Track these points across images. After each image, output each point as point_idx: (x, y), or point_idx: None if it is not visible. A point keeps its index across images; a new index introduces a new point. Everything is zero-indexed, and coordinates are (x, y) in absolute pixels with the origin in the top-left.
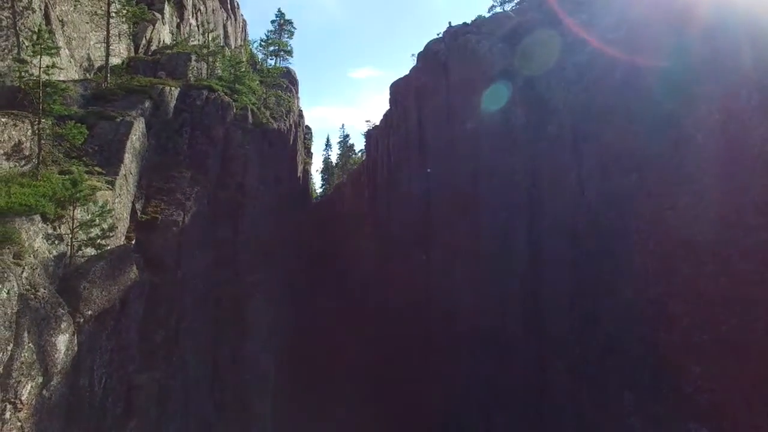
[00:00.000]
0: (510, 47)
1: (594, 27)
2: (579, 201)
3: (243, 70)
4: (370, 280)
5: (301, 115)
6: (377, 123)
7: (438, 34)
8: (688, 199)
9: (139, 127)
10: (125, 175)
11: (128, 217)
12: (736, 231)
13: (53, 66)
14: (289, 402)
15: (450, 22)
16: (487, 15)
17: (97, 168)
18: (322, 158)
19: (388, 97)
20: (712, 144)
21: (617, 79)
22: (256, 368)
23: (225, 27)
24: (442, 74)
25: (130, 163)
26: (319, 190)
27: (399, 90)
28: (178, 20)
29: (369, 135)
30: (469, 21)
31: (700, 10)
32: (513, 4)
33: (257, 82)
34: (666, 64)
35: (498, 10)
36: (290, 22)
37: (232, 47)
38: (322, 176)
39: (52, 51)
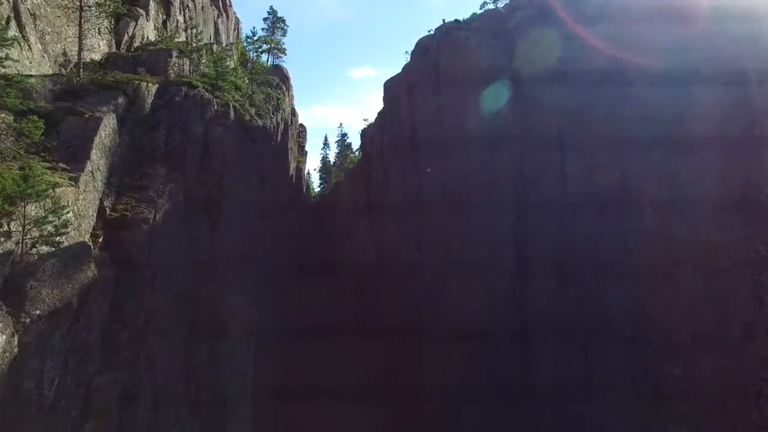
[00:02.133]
0: (499, 43)
1: (580, 22)
2: (562, 199)
3: (226, 66)
4: (367, 280)
5: (294, 113)
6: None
7: (429, 31)
8: (666, 196)
9: (109, 123)
10: (92, 171)
11: (95, 215)
12: (714, 228)
13: (7, 58)
14: (273, 402)
15: (444, 20)
16: (480, 12)
17: (61, 164)
18: (320, 157)
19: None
20: (690, 139)
21: (599, 72)
22: (234, 368)
23: (216, 24)
24: (432, 71)
25: (98, 160)
26: (317, 189)
27: (392, 88)
28: (165, 17)
29: (364, 134)
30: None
31: (682, 2)
32: (506, 0)
33: (246, 79)
34: (647, 57)
35: (491, 7)
36: (282, 20)
37: (224, 45)
38: (320, 175)
39: (7, 43)
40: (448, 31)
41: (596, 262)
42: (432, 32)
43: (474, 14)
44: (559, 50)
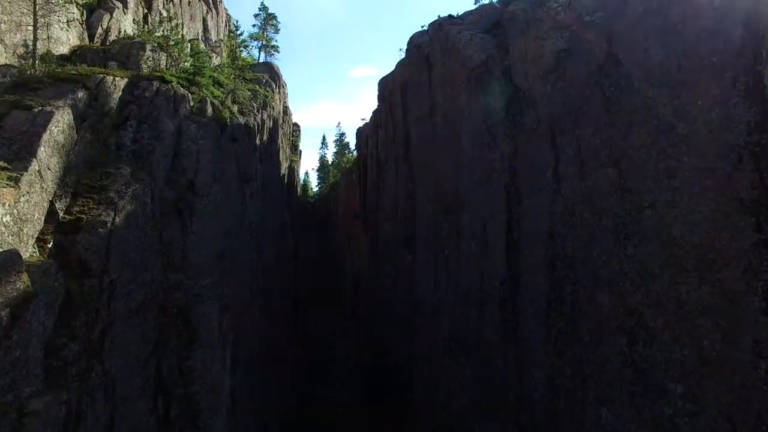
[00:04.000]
0: (491, 37)
1: (573, 10)
2: (556, 199)
3: (204, 60)
4: (363, 282)
5: (286, 112)
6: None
7: (422, 27)
8: (667, 197)
9: (63, 119)
10: (39, 170)
11: (42, 218)
12: (721, 233)
13: None
14: (252, 417)
15: (439, 16)
16: (475, 7)
17: (0, 162)
18: (318, 157)
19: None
20: (693, 134)
21: (594, 65)
22: (206, 379)
23: (205, 21)
24: (425, 68)
25: (48, 158)
26: (315, 189)
27: (386, 86)
28: (146, 11)
29: (359, 133)
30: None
31: None
32: None
33: (232, 76)
34: (645, 46)
35: (485, 1)
36: (274, 16)
37: (213, 41)
38: (318, 175)
39: None
40: (441, 27)
41: (591, 268)
42: (425, 28)
43: (467, 12)
44: (554, 44)
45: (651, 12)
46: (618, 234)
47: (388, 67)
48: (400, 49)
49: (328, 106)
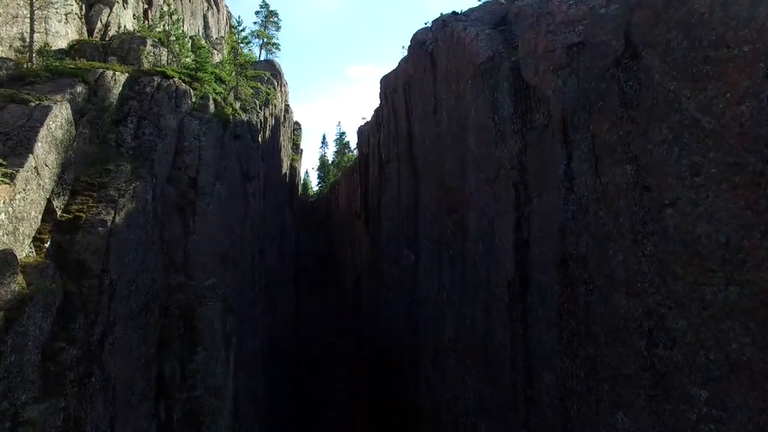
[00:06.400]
0: (498, 33)
1: (586, 3)
2: (568, 197)
3: (205, 56)
4: (363, 281)
5: (287, 110)
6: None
7: (426, 23)
8: (691, 195)
9: (61, 113)
10: (36, 167)
11: (39, 216)
12: (752, 232)
13: None
14: (255, 419)
15: (442, 13)
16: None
17: None
18: (318, 156)
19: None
20: (720, 128)
21: (610, 58)
22: (209, 383)
23: (206, 17)
24: (429, 65)
25: (45, 154)
26: (315, 188)
27: (388, 84)
28: (146, 6)
29: (360, 131)
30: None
31: None
32: None
33: (233, 72)
34: (667, 37)
35: None
36: (275, 14)
37: (214, 38)
38: (318, 174)
39: None
40: (445, 23)
41: (606, 268)
42: (428, 24)
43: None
44: (566, 38)
45: (674, 1)
46: (636, 233)
47: (388, 65)
48: (403, 47)
49: (328, 106)
